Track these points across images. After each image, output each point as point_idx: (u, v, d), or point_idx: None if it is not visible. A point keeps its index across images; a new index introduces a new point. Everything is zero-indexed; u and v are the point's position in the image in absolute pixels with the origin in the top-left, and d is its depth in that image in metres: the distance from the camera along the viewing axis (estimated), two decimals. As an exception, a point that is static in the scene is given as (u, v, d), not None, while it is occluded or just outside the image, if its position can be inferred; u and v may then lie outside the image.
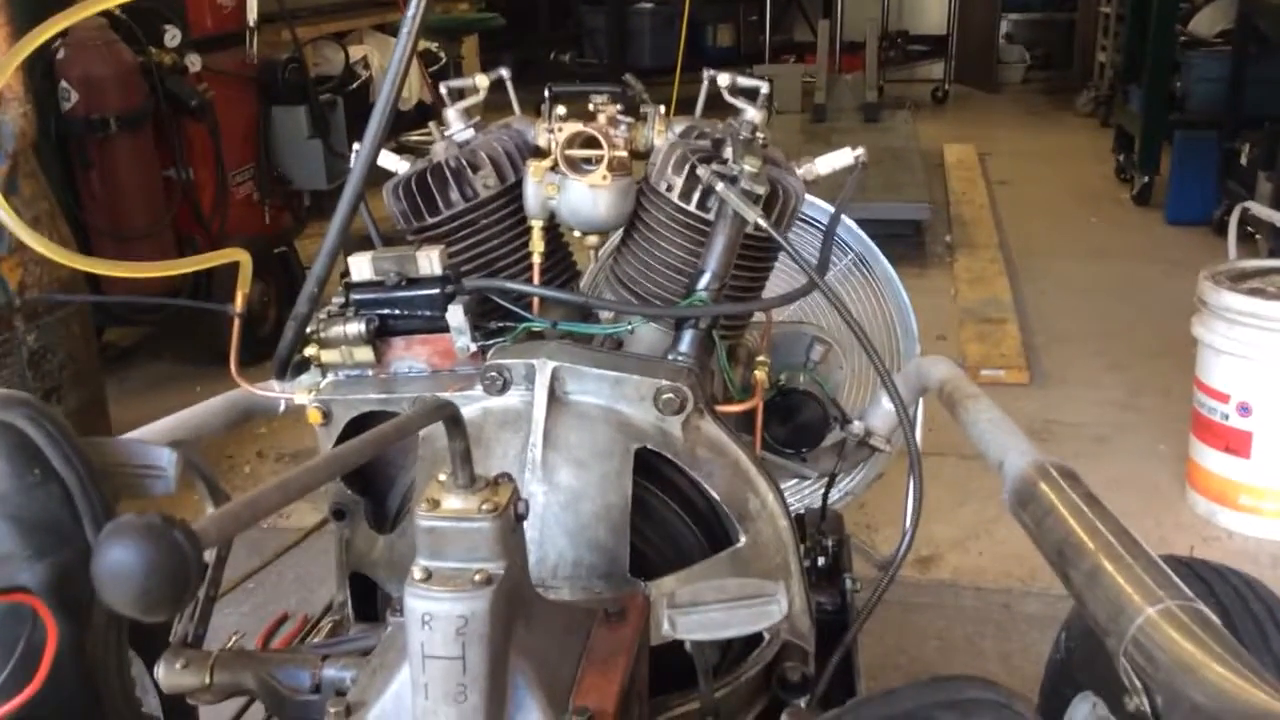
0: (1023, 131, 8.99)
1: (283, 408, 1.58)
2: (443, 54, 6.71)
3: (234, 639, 2.88)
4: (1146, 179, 6.55)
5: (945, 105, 10.21)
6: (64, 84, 3.82)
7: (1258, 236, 4.90)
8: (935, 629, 2.73)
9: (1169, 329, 4.33)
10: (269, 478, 3.65)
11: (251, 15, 4.65)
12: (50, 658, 0.86)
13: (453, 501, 1.01)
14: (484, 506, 1.00)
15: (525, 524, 1.04)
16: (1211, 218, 5.86)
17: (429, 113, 5.58)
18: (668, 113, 1.61)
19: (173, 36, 4.15)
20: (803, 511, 1.97)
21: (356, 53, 5.86)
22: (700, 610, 1.09)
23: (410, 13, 1.25)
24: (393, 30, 6.36)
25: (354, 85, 5.68)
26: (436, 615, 0.99)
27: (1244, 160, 5.54)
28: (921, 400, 1.83)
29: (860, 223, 2.22)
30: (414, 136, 5.11)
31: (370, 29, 6.29)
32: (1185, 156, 6.14)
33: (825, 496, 1.85)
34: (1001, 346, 4.44)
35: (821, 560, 1.78)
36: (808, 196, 1.80)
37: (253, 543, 2.72)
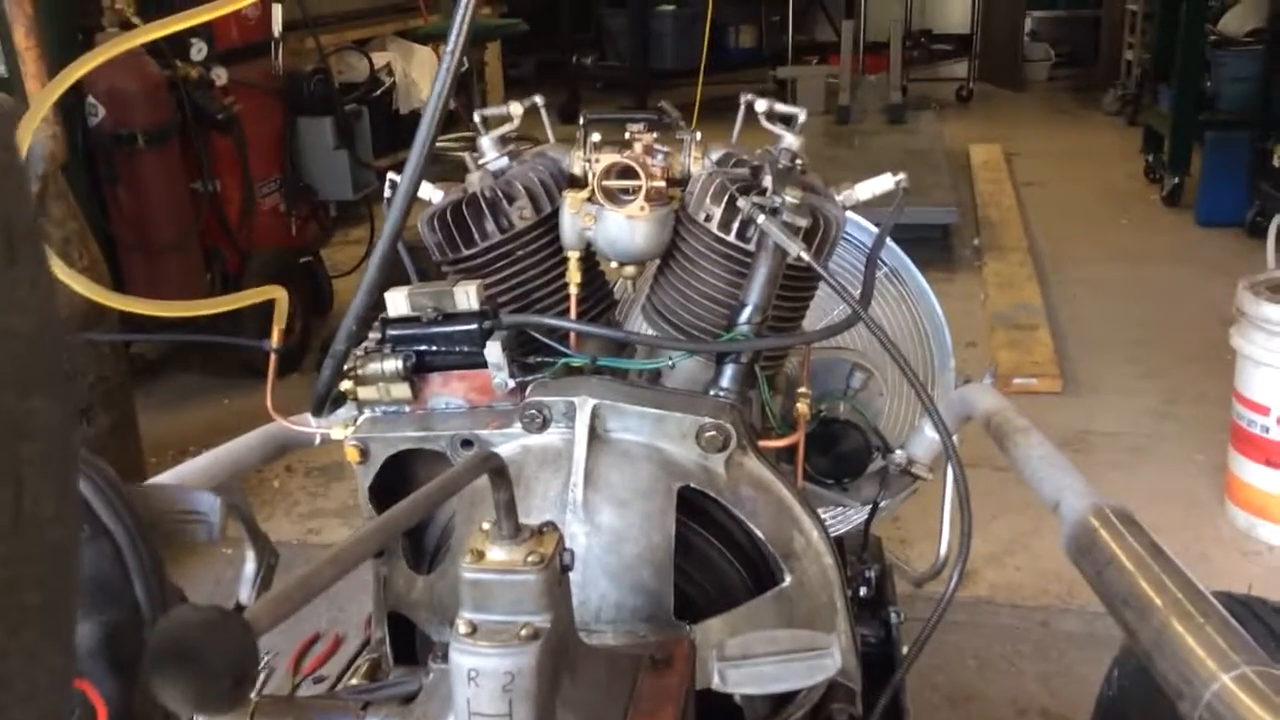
0: (1049, 131, 8.92)
1: (318, 442, 1.56)
2: (465, 59, 6.68)
3: (267, 659, 2.85)
4: (1177, 180, 6.48)
5: (970, 104, 10.14)
6: (91, 99, 3.83)
7: (1292, 240, 4.84)
8: (972, 647, 2.70)
9: (1203, 334, 4.29)
10: (297, 492, 3.66)
11: (276, 27, 4.65)
12: (99, 742, 0.84)
13: (497, 553, 0.99)
14: (529, 558, 0.98)
15: None
16: (1243, 219, 5.80)
17: (453, 118, 5.58)
18: (692, 116, 1.58)
19: (199, 50, 4.16)
20: (841, 536, 1.95)
21: (380, 60, 5.86)
22: (751, 664, 1.06)
23: (450, 47, 1.23)
24: (414, 36, 6.37)
25: (377, 93, 5.69)
26: (482, 671, 0.97)
27: (1276, 161, 5.47)
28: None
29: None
30: (439, 141, 5.11)
31: (393, 35, 6.30)
32: (1216, 157, 6.07)
33: (867, 527, 1.82)
34: (1033, 354, 4.40)
35: (864, 590, 1.75)
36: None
37: (284, 561, 2.72)
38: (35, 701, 0.31)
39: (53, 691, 0.32)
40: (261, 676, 2.01)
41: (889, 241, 2.15)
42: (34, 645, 0.31)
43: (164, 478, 1.38)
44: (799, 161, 1.54)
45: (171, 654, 0.57)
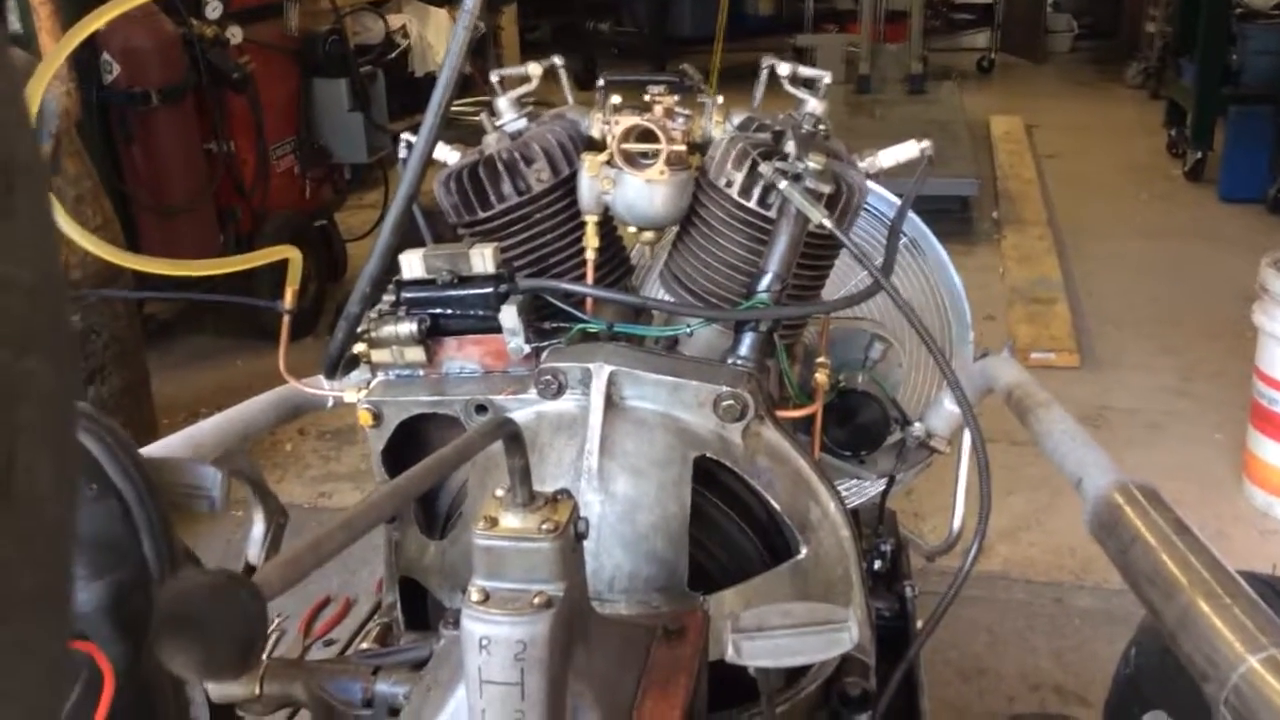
0: (1070, 103, 8.82)
1: (331, 404, 1.55)
2: (481, 24, 6.63)
3: (278, 621, 2.85)
4: (1199, 154, 6.40)
5: (991, 75, 10.03)
6: (106, 56, 3.81)
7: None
8: (986, 622, 2.68)
9: (1223, 310, 4.25)
10: (310, 456, 3.65)
11: (293, -14, 4.62)
12: (106, 706, 0.83)
13: (511, 520, 0.97)
14: (544, 526, 0.96)
15: None
16: (1266, 195, 5.73)
17: (469, 82, 5.54)
18: (709, 83, 1.55)
19: (214, 8, 4.13)
20: (856, 508, 1.93)
21: (395, 21, 5.81)
22: (767, 636, 1.05)
23: (467, 5, 1.21)
24: (430, -2, 6.31)
25: (393, 55, 5.65)
26: (495, 639, 0.96)
27: (1300, 137, 5.41)
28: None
29: (907, 200, 2.15)
30: (455, 106, 5.07)
31: (409, -3, 6.25)
32: (1239, 132, 6.00)
33: (883, 500, 1.80)
34: (1051, 328, 4.36)
35: (879, 564, 1.73)
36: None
37: (296, 524, 2.72)
38: (25, 696, 0.29)
39: (44, 685, 0.30)
40: (272, 639, 2.01)
41: (910, 213, 2.12)
42: (25, 634, 0.29)
43: (175, 439, 1.37)
44: (822, 127, 1.51)
45: (178, 619, 0.55)
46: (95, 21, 1.43)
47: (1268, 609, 0.90)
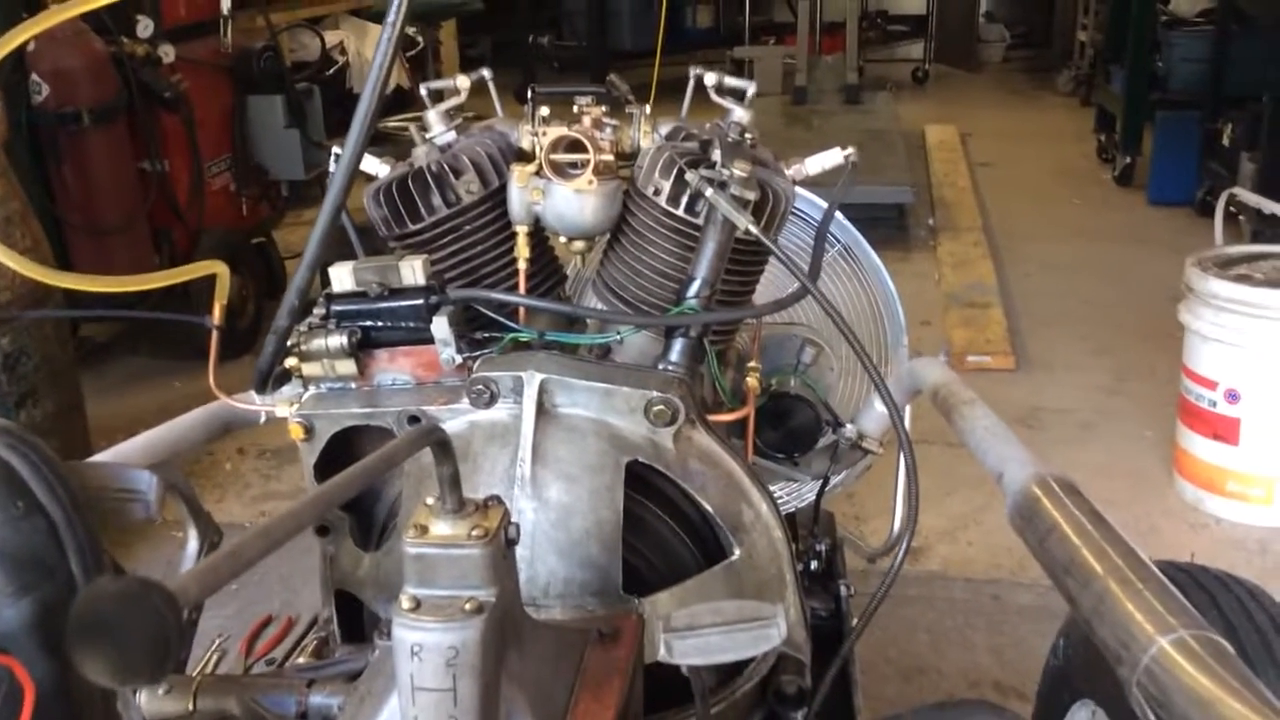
0: (1004, 111, 8.98)
1: (263, 420, 1.54)
2: (420, 38, 6.64)
3: (218, 642, 2.82)
4: (1128, 159, 6.55)
5: (926, 85, 10.20)
6: (34, 77, 3.75)
7: (1241, 217, 4.91)
8: (925, 621, 2.72)
9: (1154, 311, 4.34)
10: (250, 475, 3.61)
11: (225, 3, 4.58)
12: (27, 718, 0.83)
13: (441, 527, 0.98)
14: (474, 532, 0.97)
15: None
16: (1193, 198, 5.87)
17: (407, 98, 5.52)
18: (648, 96, 1.57)
19: (145, 27, 4.08)
20: (794, 511, 1.95)
21: (332, 39, 5.78)
22: (697, 634, 1.06)
23: (391, 18, 1.21)
24: (369, 15, 6.29)
25: (330, 72, 5.62)
26: (426, 646, 0.96)
27: (1225, 140, 5.54)
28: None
29: (842, 207, 2.18)
30: (393, 123, 5.06)
31: (346, 14, 6.22)
32: (1167, 137, 6.14)
33: (818, 502, 1.82)
34: (987, 332, 4.44)
35: (814, 564, 1.76)
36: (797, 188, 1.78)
37: (235, 544, 2.67)
38: None
39: None
40: (214, 659, 1.99)
41: (844, 220, 2.15)
42: None
43: (103, 456, 1.35)
44: (748, 135, 1.53)
45: (90, 625, 0.56)
46: (17, 38, 1.41)
47: (1178, 593, 0.92)
